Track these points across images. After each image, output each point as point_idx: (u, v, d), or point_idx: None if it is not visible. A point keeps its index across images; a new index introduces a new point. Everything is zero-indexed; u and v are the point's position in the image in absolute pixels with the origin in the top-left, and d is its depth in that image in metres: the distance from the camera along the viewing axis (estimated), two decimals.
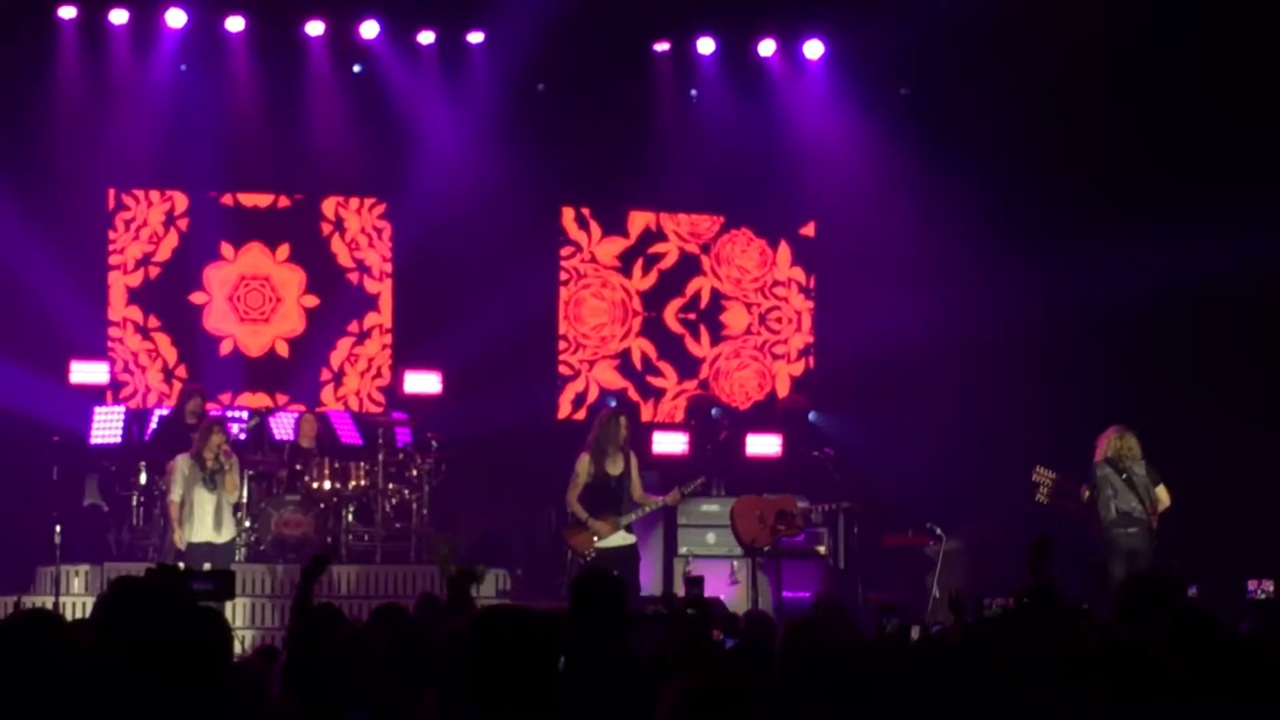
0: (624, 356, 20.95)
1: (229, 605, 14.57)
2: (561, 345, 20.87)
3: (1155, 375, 19.00)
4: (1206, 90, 18.48)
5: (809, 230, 21.18)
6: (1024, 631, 7.88)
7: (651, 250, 21.06)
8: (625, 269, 21.01)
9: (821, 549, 17.97)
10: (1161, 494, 15.40)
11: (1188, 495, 17.96)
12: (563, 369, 20.84)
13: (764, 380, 21.16)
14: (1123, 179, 19.16)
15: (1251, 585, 14.79)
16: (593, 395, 20.59)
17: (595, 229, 21.00)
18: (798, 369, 21.22)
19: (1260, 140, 18.34)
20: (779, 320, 21.20)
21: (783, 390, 21.01)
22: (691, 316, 21.05)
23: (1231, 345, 18.92)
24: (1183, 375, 18.99)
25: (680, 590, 16.95)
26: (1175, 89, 18.61)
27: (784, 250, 21.25)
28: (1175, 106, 18.66)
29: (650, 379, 20.94)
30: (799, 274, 21.27)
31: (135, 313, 19.98)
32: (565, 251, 20.91)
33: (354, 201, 20.50)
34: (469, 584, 9.88)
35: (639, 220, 21.04)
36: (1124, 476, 15.23)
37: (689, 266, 21.11)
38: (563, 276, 20.90)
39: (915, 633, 10.33)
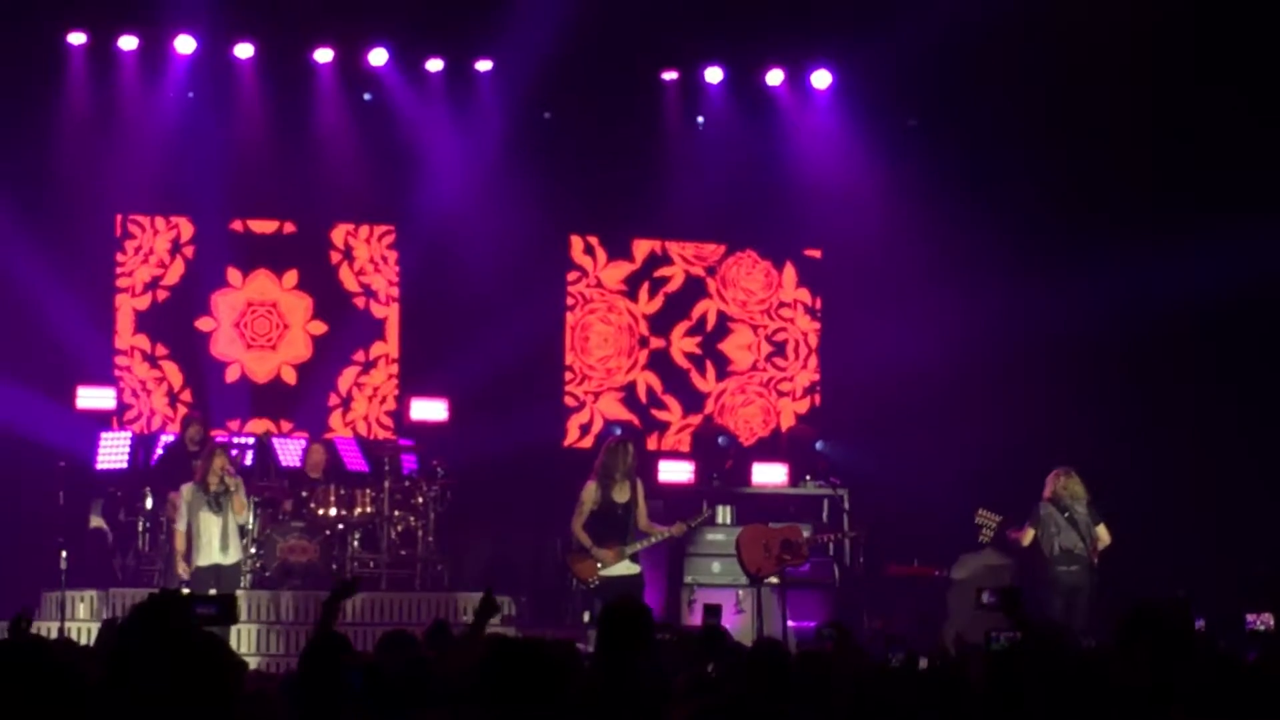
0: (629, 389, 20.95)
1: (234, 631, 14.59)
2: (567, 376, 20.87)
3: (1163, 401, 19.01)
4: (1213, 120, 18.49)
5: (815, 252, 21.21)
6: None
7: (657, 274, 21.08)
8: (631, 293, 21.03)
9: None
10: (1102, 532, 16.06)
11: (1187, 524, 18.04)
12: (568, 400, 20.83)
13: (769, 416, 21.15)
14: (1128, 206, 19.17)
15: (1250, 618, 14.86)
16: (598, 427, 20.58)
17: (601, 254, 21.03)
18: (803, 406, 21.21)
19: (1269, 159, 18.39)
20: (785, 343, 21.19)
21: (784, 443, 20.95)
22: (698, 351, 21.02)
23: (1238, 371, 18.93)
24: (1187, 401, 19.01)
25: (690, 617, 17.02)
26: (1182, 120, 18.63)
27: (789, 272, 21.27)
28: (1181, 136, 18.67)
29: (655, 412, 20.93)
30: (805, 295, 21.29)
31: (143, 341, 19.98)
32: (571, 276, 20.93)
33: (364, 230, 20.51)
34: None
35: (645, 245, 21.07)
36: (1066, 515, 15.93)
37: (695, 289, 21.12)
38: (569, 301, 20.91)
39: (923, 663, 10.32)
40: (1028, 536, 15.94)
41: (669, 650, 9.65)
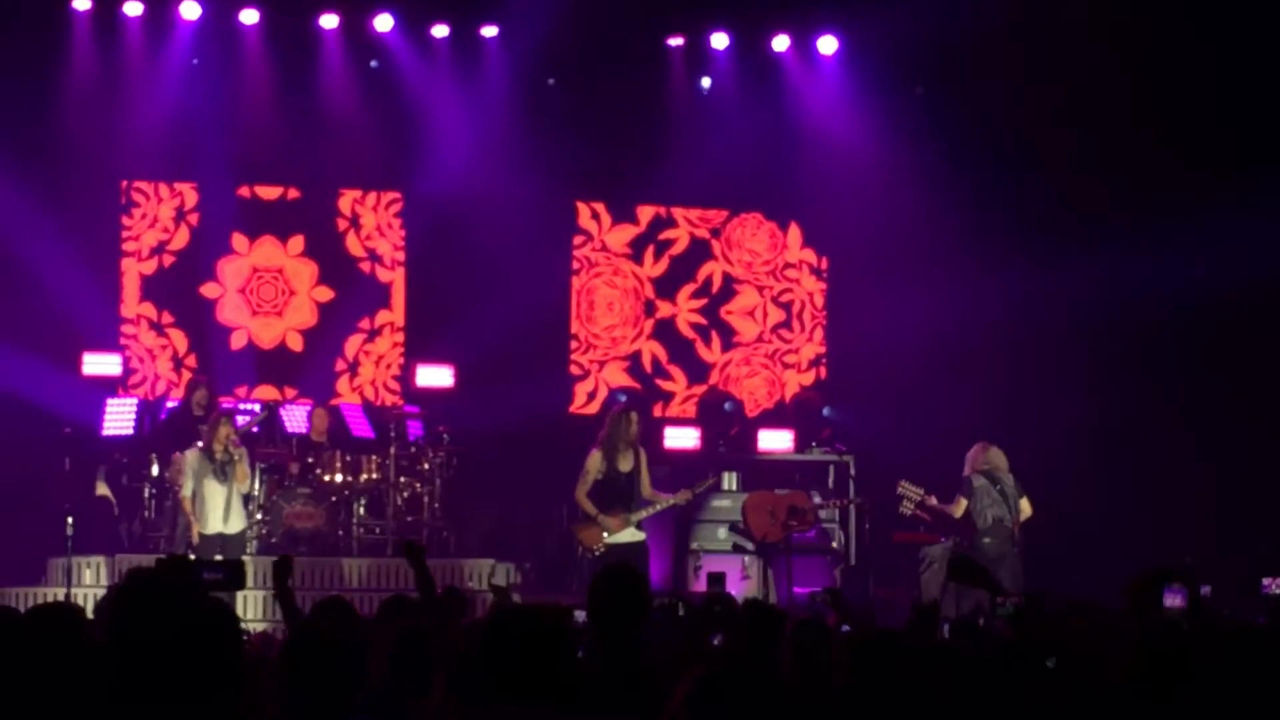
0: (634, 359, 20.94)
1: (240, 597, 14.61)
2: (573, 345, 20.86)
3: (1173, 371, 18.99)
4: (1229, 84, 18.41)
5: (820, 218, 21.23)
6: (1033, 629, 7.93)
7: (662, 236, 21.08)
8: (636, 256, 21.02)
9: (835, 544, 17.99)
10: (1025, 505, 16.19)
11: (1203, 492, 18.03)
12: (573, 369, 20.83)
13: (774, 388, 21.15)
14: (1139, 178, 19.08)
15: (1266, 582, 14.89)
16: (603, 395, 20.57)
17: (606, 218, 21.02)
18: (808, 378, 21.19)
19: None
20: (791, 304, 21.18)
21: (790, 411, 20.94)
22: (703, 320, 21.00)
23: (1257, 341, 18.90)
24: (1199, 370, 18.98)
25: (696, 584, 17.04)
26: (1195, 84, 18.53)
27: (794, 233, 21.26)
28: (1194, 101, 18.59)
29: (660, 382, 20.91)
30: (810, 256, 21.28)
31: (149, 309, 19.96)
32: (576, 240, 20.93)
33: (370, 198, 20.48)
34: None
35: (650, 209, 21.06)
36: (998, 488, 16.04)
37: (700, 251, 21.12)
38: (574, 265, 20.91)
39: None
40: (960, 508, 16.04)
41: (673, 618, 9.66)
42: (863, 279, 20.53)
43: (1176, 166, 18.72)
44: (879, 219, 20.09)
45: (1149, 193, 18.88)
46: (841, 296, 21.11)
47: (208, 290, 20.12)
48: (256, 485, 17.05)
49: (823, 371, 21.22)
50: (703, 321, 21.09)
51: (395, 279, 20.54)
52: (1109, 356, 19.18)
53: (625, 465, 15.32)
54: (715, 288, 21.14)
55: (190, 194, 20.07)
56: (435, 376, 19.68)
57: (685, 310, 21.06)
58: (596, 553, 15.20)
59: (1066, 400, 18.84)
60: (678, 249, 21.10)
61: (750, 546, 17.34)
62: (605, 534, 15.24)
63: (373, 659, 6.71)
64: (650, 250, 21.04)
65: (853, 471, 18.45)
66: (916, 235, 19.80)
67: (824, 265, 21.28)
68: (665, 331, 21.03)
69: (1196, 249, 17.97)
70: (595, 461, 15.33)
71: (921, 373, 19.52)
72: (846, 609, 9.48)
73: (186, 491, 15.76)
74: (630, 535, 15.31)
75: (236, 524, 15.81)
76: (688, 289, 21.08)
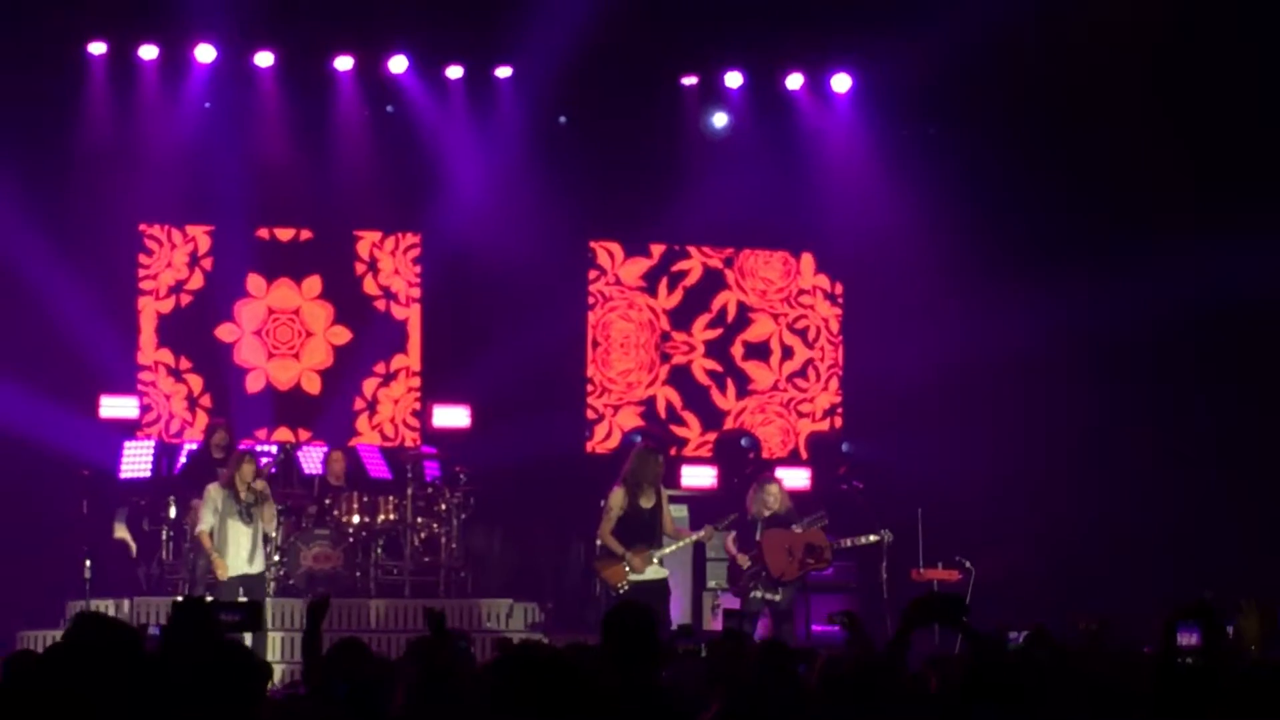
0: (649, 404, 20.91)
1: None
2: (588, 389, 20.84)
3: (1194, 398, 18.96)
4: (1240, 123, 18.42)
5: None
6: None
7: (675, 268, 21.09)
8: (650, 288, 21.02)
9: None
10: None
11: (1218, 527, 17.98)
12: (588, 414, 20.80)
13: (788, 437, 21.11)
14: (1149, 211, 19.09)
15: None
16: (617, 439, 20.53)
17: (619, 251, 21.02)
18: (823, 427, 21.15)
19: None
20: (806, 330, 21.16)
21: (805, 451, 20.90)
22: (718, 366, 20.97)
23: (1265, 372, 18.88)
24: (1214, 400, 18.96)
25: (714, 622, 17.01)
26: (1211, 108, 18.53)
27: (807, 260, 21.26)
28: (1206, 137, 18.60)
29: (675, 428, 20.87)
30: (824, 282, 21.27)
31: (167, 355, 19.96)
32: (591, 274, 20.94)
33: (389, 242, 20.50)
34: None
35: (663, 246, 21.06)
36: None
37: (714, 282, 21.12)
38: (589, 300, 20.90)
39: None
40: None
41: (693, 658, 9.64)
42: (878, 307, 20.52)
43: (1186, 195, 18.73)
44: (892, 252, 20.10)
45: (1160, 222, 18.89)
46: (857, 321, 21.08)
47: (224, 333, 20.14)
48: (275, 526, 17.02)
49: (837, 421, 21.17)
50: (718, 368, 21.05)
51: (411, 316, 20.55)
52: (1126, 385, 19.15)
53: (647, 502, 15.31)
54: (730, 317, 21.13)
55: (203, 238, 20.10)
56: (452, 417, 19.70)
57: (700, 346, 21.03)
58: (620, 590, 15.17)
59: (1081, 427, 18.81)
60: (691, 280, 21.11)
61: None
62: (629, 571, 15.21)
63: (398, 692, 6.79)
64: (664, 282, 21.05)
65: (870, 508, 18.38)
66: (929, 266, 19.81)
67: (838, 290, 21.27)
68: (680, 378, 21.00)
69: (1221, 270, 17.95)
70: (618, 498, 15.32)
71: (938, 404, 19.50)
72: (863, 633, 9.42)
73: (204, 526, 15.50)
74: (653, 573, 15.31)
75: (259, 565, 15.72)
76: (702, 319, 21.08)
